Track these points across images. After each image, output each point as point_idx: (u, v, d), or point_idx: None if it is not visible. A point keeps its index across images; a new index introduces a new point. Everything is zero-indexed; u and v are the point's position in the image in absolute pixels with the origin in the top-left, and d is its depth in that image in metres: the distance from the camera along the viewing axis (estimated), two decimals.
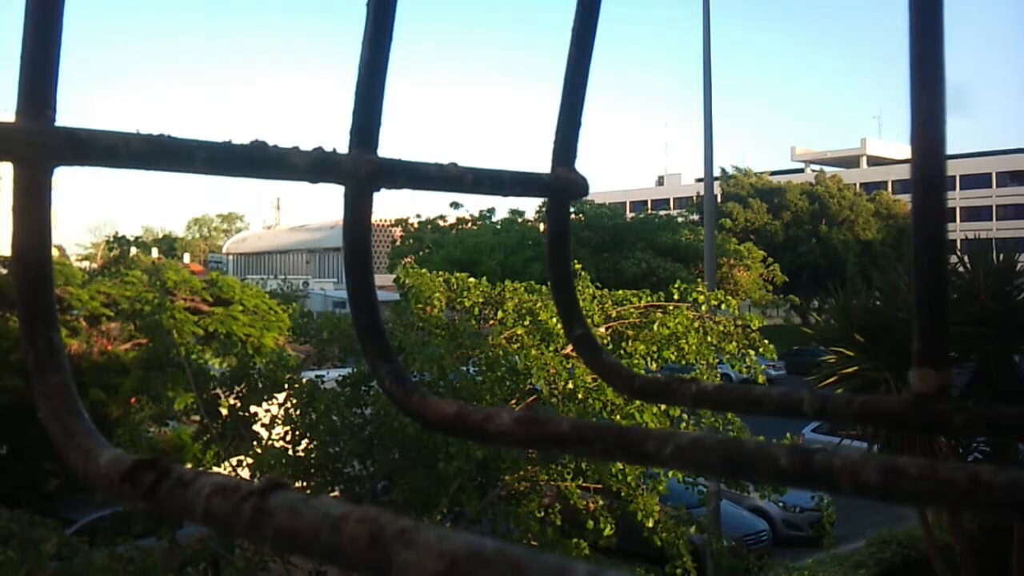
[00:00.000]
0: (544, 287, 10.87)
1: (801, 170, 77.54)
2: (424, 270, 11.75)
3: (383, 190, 0.50)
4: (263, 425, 9.58)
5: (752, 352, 10.41)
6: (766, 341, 10.63)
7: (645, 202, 73.28)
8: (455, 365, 9.39)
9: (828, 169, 66.46)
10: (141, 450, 8.99)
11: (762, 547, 15.17)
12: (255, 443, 9.44)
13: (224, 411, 9.79)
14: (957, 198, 65.43)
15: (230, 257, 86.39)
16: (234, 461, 9.25)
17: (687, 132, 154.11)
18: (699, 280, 12.99)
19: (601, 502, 9.52)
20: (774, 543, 15.97)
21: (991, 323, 7.68)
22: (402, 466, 8.89)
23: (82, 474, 0.36)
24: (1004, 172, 67.92)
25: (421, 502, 8.67)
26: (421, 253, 34.83)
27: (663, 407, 9.09)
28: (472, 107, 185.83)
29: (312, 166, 0.46)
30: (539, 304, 10.19)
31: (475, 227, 36.57)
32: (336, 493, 9.10)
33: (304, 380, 9.62)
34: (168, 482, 0.34)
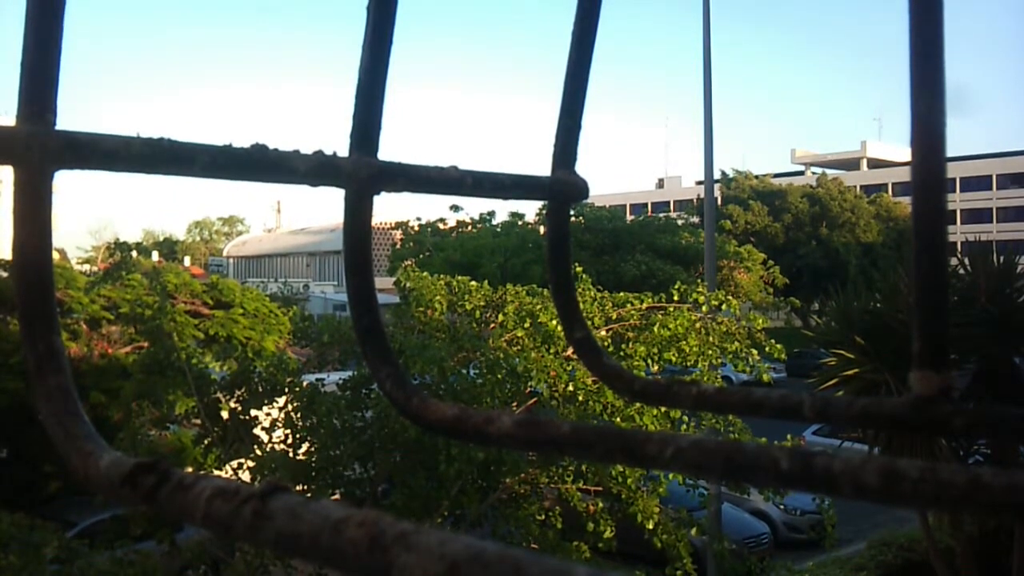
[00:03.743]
0: (545, 290, 10.87)
1: (801, 172, 77.57)
2: (425, 273, 11.76)
3: (383, 193, 0.50)
4: (264, 429, 9.58)
5: (755, 352, 10.41)
6: (772, 340, 10.63)
7: (645, 205, 73.28)
8: (456, 368, 9.39)
9: (828, 171, 66.48)
10: (142, 453, 8.99)
11: (763, 550, 15.17)
12: (256, 446, 9.44)
13: (225, 415, 9.79)
14: (957, 200, 65.44)
15: (231, 260, 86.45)
16: (235, 464, 9.25)
17: (687, 135, 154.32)
18: (699, 281, 12.98)
19: (601, 504, 9.51)
20: (775, 545, 15.96)
21: (991, 325, 7.68)
22: (403, 469, 8.89)
23: (83, 477, 0.37)
24: (1005, 174, 67.93)
25: (422, 505, 8.67)
26: (421, 256, 34.81)
27: (663, 409, 9.09)
28: (472, 110, 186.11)
29: (312, 169, 0.46)
30: (540, 307, 10.19)
31: (475, 230, 36.57)
32: (337, 496, 9.10)
33: (305, 383, 9.62)
34: (169, 485, 0.34)
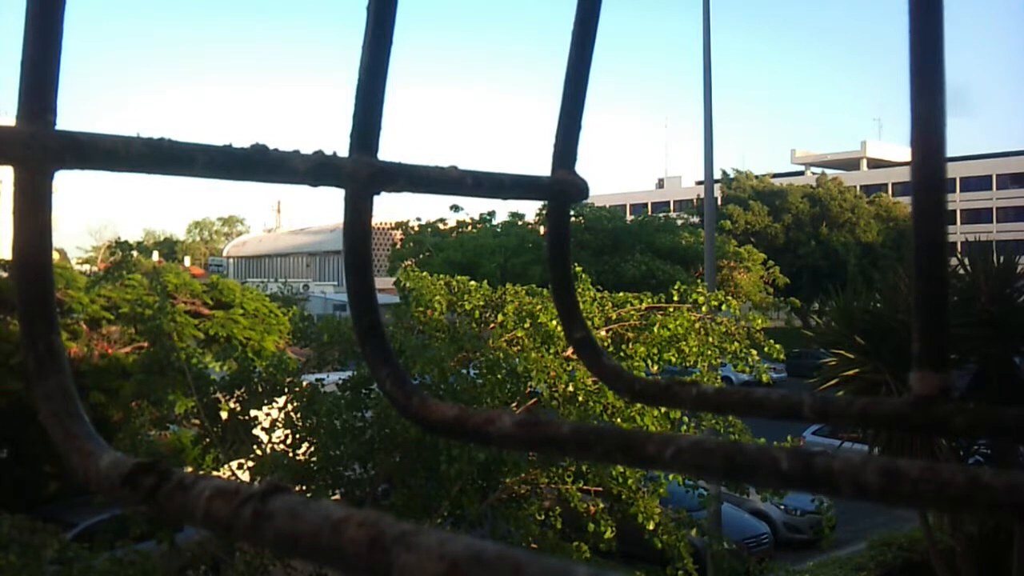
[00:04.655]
0: (545, 290, 10.87)
1: (801, 173, 77.55)
2: (424, 273, 11.75)
3: (383, 193, 0.50)
4: (263, 429, 9.58)
5: (754, 352, 10.40)
6: (771, 340, 10.62)
7: (645, 204, 73.22)
8: (456, 368, 9.38)
9: (828, 171, 66.45)
10: (141, 454, 8.99)
11: (763, 550, 15.17)
12: (255, 447, 9.44)
13: (224, 415, 9.78)
14: (957, 200, 65.42)
15: (231, 260, 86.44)
16: (234, 465, 9.24)
17: (687, 135, 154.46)
18: (699, 282, 12.98)
19: (602, 505, 9.51)
20: (775, 545, 15.96)
21: (991, 325, 7.68)
22: (403, 469, 8.88)
23: (82, 477, 0.36)
24: (1005, 174, 67.90)
25: (422, 505, 8.66)
26: (421, 256, 34.79)
27: (664, 410, 9.09)
28: (472, 110, 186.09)
29: (312, 169, 0.46)
30: (539, 307, 10.19)
31: (475, 230, 36.52)
32: (337, 496, 9.09)
33: (304, 384, 9.62)
34: (168, 485, 0.34)
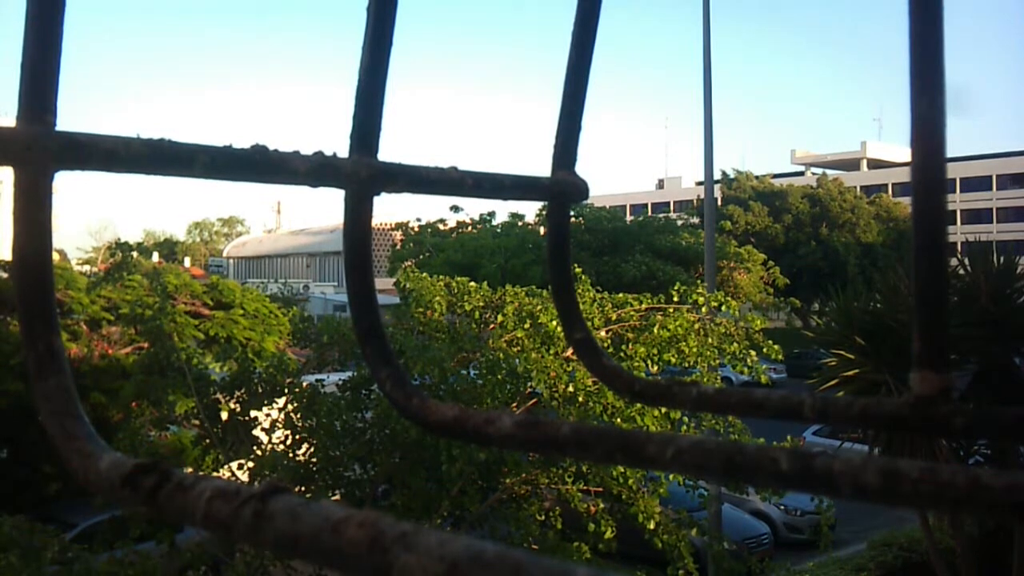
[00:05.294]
0: (545, 290, 10.87)
1: (801, 173, 77.57)
2: (424, 274, 11.76)
3: (383, 194, 0.50)
4: (263, 429, 9.57)
5: (753, 353, 10.39)
6: (770, 341, 10.61)
7: (645, 205, 73.26)
8: (456, 368, 9.38)
9: (829, 172, 66.41)
10: (141, 454, 8.98)
11: (763, 550, 15.16)
12: (255, 447, 9.43)
13: (224, 415, 9.77)
14: (957, 201, 65.44)
15: (231, 261, 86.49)
16: (234, 465, 9.23)
17: (687, 135, 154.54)
18: (699, 282, 12.97)
19: (602, 505, 9.50)
20: (775, 546, 15.96)
21: (991, 325, 7.68)
22: (403, 470, 8.88)
23: (82, 478, 0.36)
24: (1004, 175, 67.90)
25: (422, 505, 8.66)
26: (421, 257, 34.79)
27: (664, 410, 9.08)
28: (473, 110, 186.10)
29: (312, 170, 0.46)
30: (539, 307, 10.18)
31: (475, 231, 36.52)
32: (337, 497, 9.09)
33: (304, 384, 9.61)
34: (168, 486, 0.34)
